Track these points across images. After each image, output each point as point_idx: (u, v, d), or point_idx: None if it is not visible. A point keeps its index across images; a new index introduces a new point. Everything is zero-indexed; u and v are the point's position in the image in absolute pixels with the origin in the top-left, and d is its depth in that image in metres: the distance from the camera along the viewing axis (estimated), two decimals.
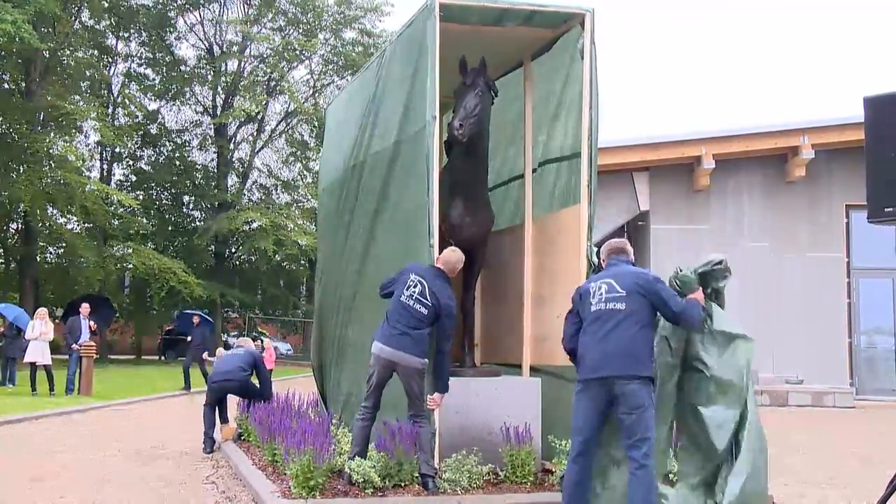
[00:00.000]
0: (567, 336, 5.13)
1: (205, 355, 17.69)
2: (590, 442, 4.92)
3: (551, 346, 6.92)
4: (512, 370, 7.60)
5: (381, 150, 7.48)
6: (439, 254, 6.26)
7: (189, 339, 18.49)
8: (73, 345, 15.71)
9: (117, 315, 33.79)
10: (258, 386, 9.05)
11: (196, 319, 18.72)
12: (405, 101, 6.93)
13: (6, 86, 27.49)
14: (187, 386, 17.42)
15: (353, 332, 7.98)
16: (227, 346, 20.65)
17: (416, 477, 5.83)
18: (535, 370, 7.31)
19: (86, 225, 29.31)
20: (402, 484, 5.78)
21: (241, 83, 32.88)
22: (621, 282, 4.93)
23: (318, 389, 9.31)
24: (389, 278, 6.26)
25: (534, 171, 7.79)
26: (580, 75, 6.95)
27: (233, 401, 9.15)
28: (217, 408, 8.88)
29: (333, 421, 7.33)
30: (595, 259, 6.58)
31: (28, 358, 15.18)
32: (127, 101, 32.12)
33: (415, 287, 5.92)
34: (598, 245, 6.56)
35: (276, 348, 35.11)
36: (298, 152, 35.13)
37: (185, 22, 34.09)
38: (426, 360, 5.93)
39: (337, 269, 8.57)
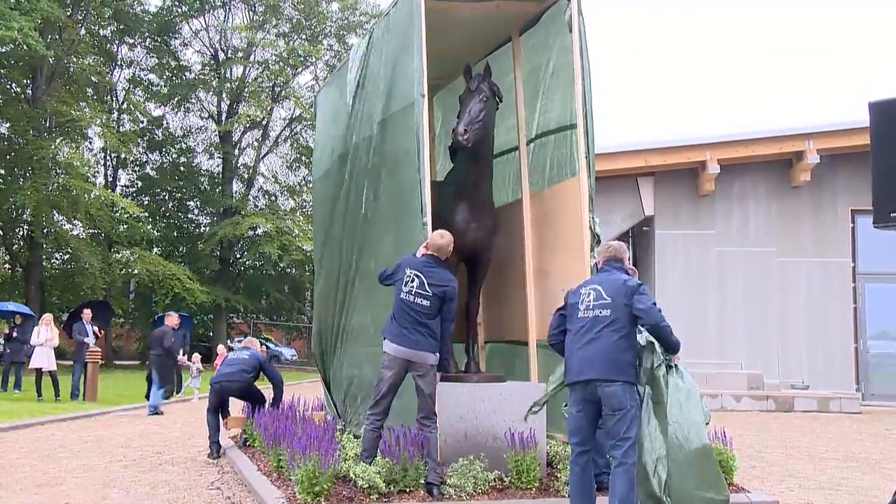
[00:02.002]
0: (552, 330, 5.39)
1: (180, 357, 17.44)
2: (586, 442, 5.19)
3: None
4: (518, 347, 7.69)
5: (370, 133, 7.43)
6: (431, 215, 6.31)
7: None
8: (86, 339, 15.69)
9: (122, 320, 33.84)
10: (272, 388, 8.96)
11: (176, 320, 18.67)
12: (390, 79, 6.90)
13: (12, 92, 27.61)
14: (179, 389, 17.40)
15: (353, 317, 7.95)
16: (229, 350, 20.57)
17: (422, 483, 5.82)
18: (541, 346, 7.38)
19: (91, 231, 29.39)
20: (408, 489, 5.76)
21: (246, 89, 32.97)
22: (608, 289, 5.12)
23: (322, 377, 9.25)
24: (388, 270, 6.25)
25: (529, 142, 7.79)
26: (569, 47, 6.95)
27: (236, 404, 9.16)
28: (219, 410, 8.87)
29: (339, 427, 7.33)
30: (598, 230, 6.66)
31: (34, 364, 15.21)
32: (132, 107, 32.23)
33: (412, 282, 5.93)
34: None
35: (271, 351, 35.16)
36: (303, 158, 35.19)
37: (190, 28, 34.22)
38: (438, 354, 5.96)
39: (335, 256, 8.50)
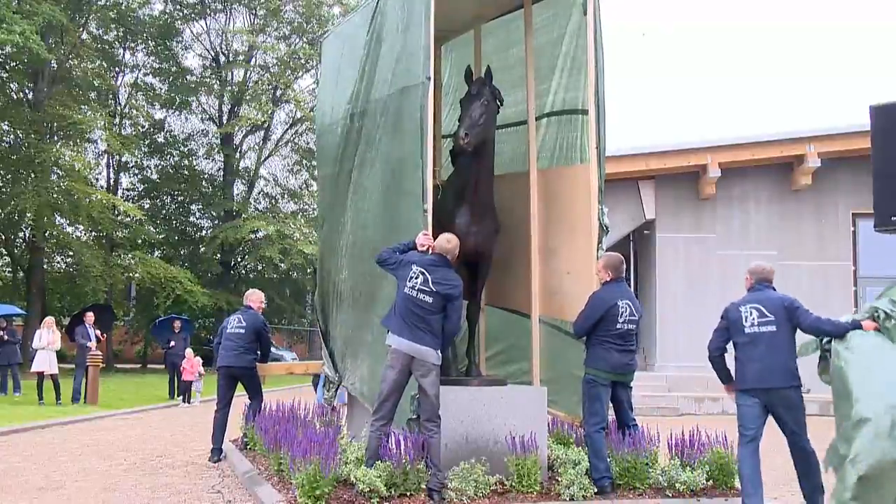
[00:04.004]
0: (716, 350, 6.16)
1: (184, 364, 17.11)
2: (758, 430, 5.99)
3: (560, 300, 7.20)
4: (519, 318, 7.84)
5: (380, 97, 7.26)
6: (432, 218, 6.31)
7: (172, 344, 18.01)
8: (89, 343, 15.67)
9: (122, 323, 33.85)
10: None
11: (178, 324, 18.56)
12: (400, 49, 6.79)
13: (14, 96, 27.63)
14: (180, 392, 17.33)
15: (351, 279, 7.89)
16: None
17: (423, 487, 5.81)
18: (543, 322, 7.55)
19: (92, 234, 29.40)
20: (408, 493, 5.74)
21: (247, 92, 33.01)
22: (768, 307, 5.94)
23: (321, 330, 9.19)
24: (390, 254, 6.21)
25: (541, 117, 7.80)
26: (580, 28, 6.96)
27: (236, 404, 9.14)
28: (229, 404, 8.75)
29: (341, 433, 7.33)
30: (607, 221, 6.77)
31: (36, 367, 15.18)
32: (134, 110, 32.25)
33: (416, 278, 5.98)
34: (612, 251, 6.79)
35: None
36: (304, 161, 35.21)
37: (192, 32, 34.28)
38: (440, 353, 5.99)
39: (338, 215, 8.35)
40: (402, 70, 6.76)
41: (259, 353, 8.84)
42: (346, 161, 8.08)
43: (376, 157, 7.21)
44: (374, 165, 7.28)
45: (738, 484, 6.70)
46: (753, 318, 5.95)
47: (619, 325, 6.36)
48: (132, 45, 33.03)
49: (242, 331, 8.65)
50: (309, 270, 33.60)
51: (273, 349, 30.62)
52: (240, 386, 8.88)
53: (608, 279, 6.56)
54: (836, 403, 5.72)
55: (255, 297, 9.12)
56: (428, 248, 6.18)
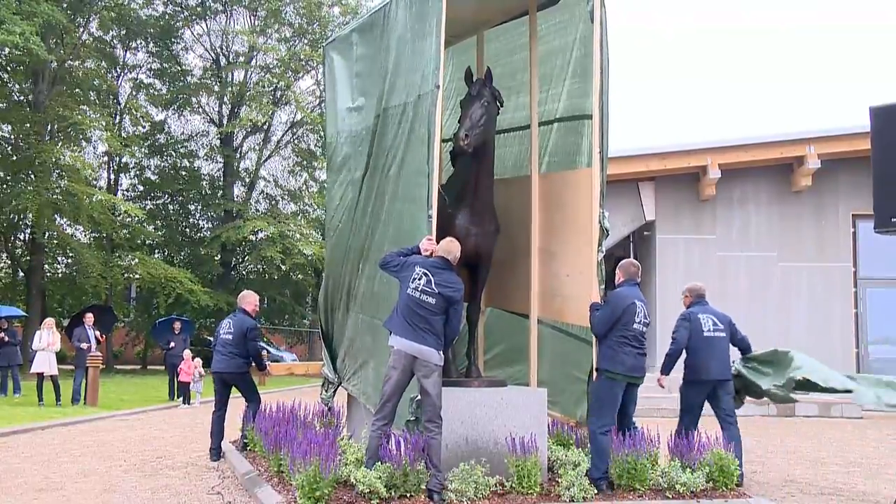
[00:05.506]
0: (685, 342, 7.40)
1: (182, 365, 16.83)
2: (699, 416, 7.40)
3: (560, 303, 7.26)
4: (518, 319, 7.92)
5: (398, 104, 7.29)
6: (437, 224, 6.33)
7: (172, 345, 17.86)
8: (83, 345, 15.62)
9: (122, 324, 33.80)
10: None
11: (178, 325, 18.48)
12: (415, 58, 6.84)
13: (15, 96, 27.61)
14: (179, 393, 17.25)
15: (359, 283, 7.91)
16: None
17: (423, 488, 5.81)
18: (541, 323, 7.64)
19: (93, 235, 29.37)
20: (408, 495, 5.75)
21: (248, 93, 32.98)
22: (719, 317, 7.49)
23: (322, 332, 9.20)
24: (393, 257, 6.25)
25: (540, 125, 7.83)
26: (587, 36, 6.99)
27: (236, 405, 9.15)
28: (226, 405, 8.78)
29: (341, 433, 7.33)
30: (607, 224, 6.86)
31: (35, 368, 15.17)
32: (134, 111, 32.23)
33: (420, 279, 6.01)
34: (616, 259, 6.92)
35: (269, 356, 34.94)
36: (304, 162, 35.19)
37: (192, 32, 34.24)
38: (443, 354, 6.01)
39: (348, 219, 8.37)
40: (416, 79, 6.79)
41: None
42: (359, 167, 8.12)
43: (390, 163, 7.24)
44: (386, 171, 7.30)
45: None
46: (710, 325, 7.37)
47: (635, 325, 6.64)
48: (132, 45, 33.01)
49: (231, 336, 8.63)
50: (310, 271, 33.58)
51: (273, 350, 30.34)
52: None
53: (621, 280, 6.70)
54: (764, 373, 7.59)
55: (247, 300, 8.98)
56: (431, 254, 6.20)
